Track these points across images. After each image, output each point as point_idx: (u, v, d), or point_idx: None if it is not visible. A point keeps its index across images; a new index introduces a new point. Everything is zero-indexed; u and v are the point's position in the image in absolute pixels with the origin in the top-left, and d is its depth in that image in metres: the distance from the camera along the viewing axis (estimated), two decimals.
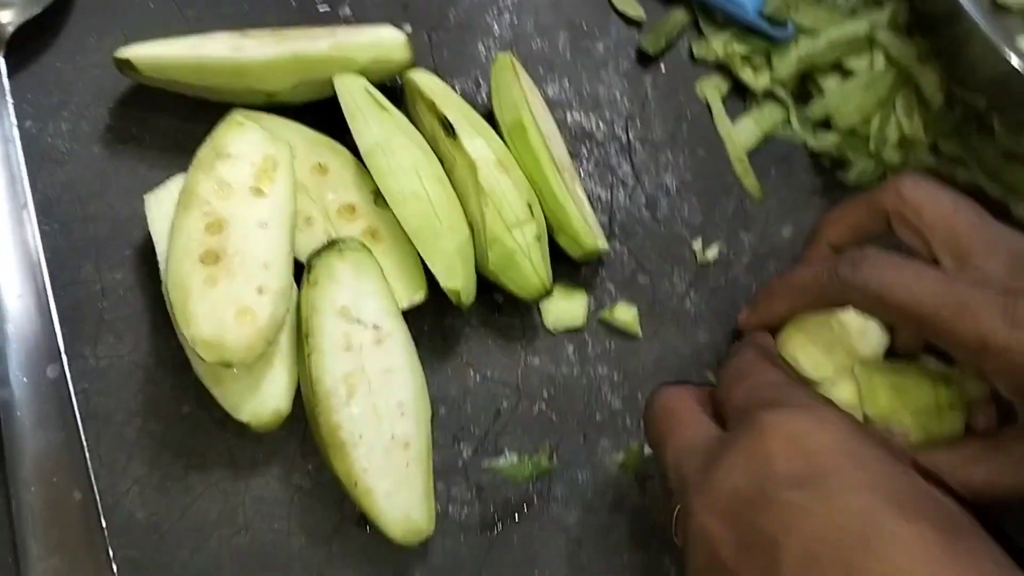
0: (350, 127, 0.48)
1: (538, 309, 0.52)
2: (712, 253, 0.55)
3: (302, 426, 0.47)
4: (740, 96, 0.60)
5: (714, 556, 0.35)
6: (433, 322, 0.51)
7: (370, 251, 0.47)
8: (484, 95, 0.56)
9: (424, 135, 0.51)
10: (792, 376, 0.44)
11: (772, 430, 0.36)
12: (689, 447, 0.40)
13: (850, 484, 0.34)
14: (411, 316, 0.47)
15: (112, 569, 0.43)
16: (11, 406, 0.44)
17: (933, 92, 0.59)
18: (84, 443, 0.44)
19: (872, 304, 0.42)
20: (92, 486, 0.44)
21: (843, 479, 0.34)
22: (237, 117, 0.48)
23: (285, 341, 0.46)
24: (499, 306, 0.52)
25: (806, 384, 0.45)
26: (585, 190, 0.55)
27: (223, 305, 0.43)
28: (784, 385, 0.41)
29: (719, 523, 0.36)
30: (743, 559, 0.34)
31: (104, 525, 0.44)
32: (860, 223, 0.47)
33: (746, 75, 0.60)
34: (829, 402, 0.41)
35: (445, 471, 0.48)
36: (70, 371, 0.46)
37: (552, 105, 0.56)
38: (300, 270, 0.46)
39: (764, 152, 0.58)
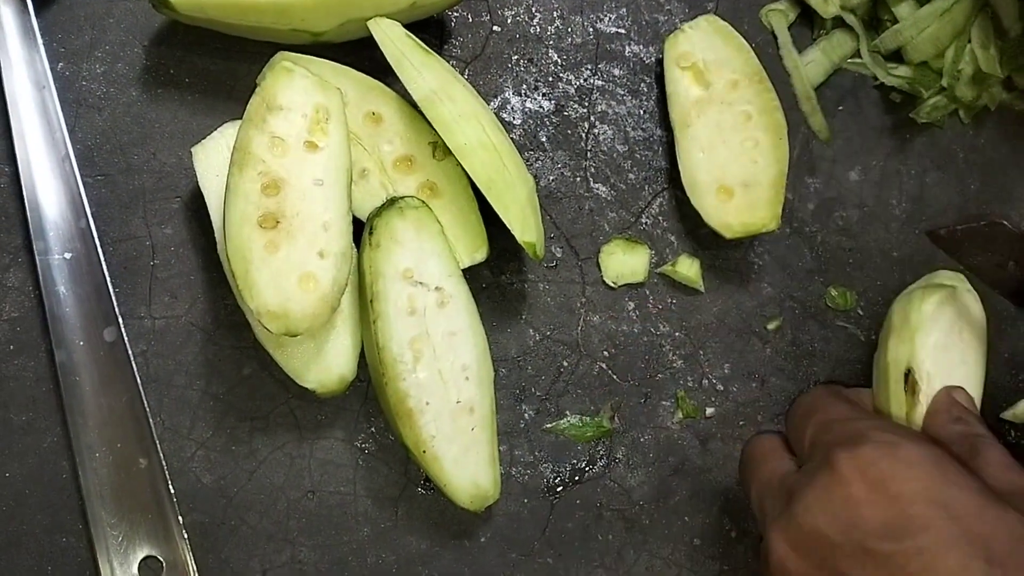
0: (399, 75, 0.45)
1: (598, 264, 0.50)
2: None
3: (364, 388, 0.47)
4: (807, 24, 0.56)
5: None
6: (491, 279, 0.49)
7: (430, 209, 0.45)
8: (537, 26, 0.52)
9: None
10: (864, 410, 0.44)
11: (853, 471, 0.37)
12: (768, 482, 0.41)
13: (944, 539, 0.35)
14: (467, 274, 0.46)
15: (183, 534, 0.43)
16: (70, 370, 0.44)
17: (1011, 20, 0.55)
18: (147, 407, 0.44)
19: None
20: (158, 451, 0.44)
21: (937, 534, 0.35)
22: (285, 63, 0.45)
23: (347, 303, 0.44)
24: (557, 261, 0.50)
25: (879, 416, 0.44)
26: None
27: (285, 272, 0.41)
28: (856, 418, 0.41)
29: (799, 560, 0.37)
30: None
31: (172, 491, 0.44)
32: None
33: (815, 0, 0.56)
34: (907, 431, 0.41)
35: (507, 433, 0.48)
36: (126, 333, 0.45)
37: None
38: (357, 226, 0.45)
39: (830, 86, 0.55)
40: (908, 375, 0.46)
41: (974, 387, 0.47)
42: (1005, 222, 0.45)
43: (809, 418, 0.42)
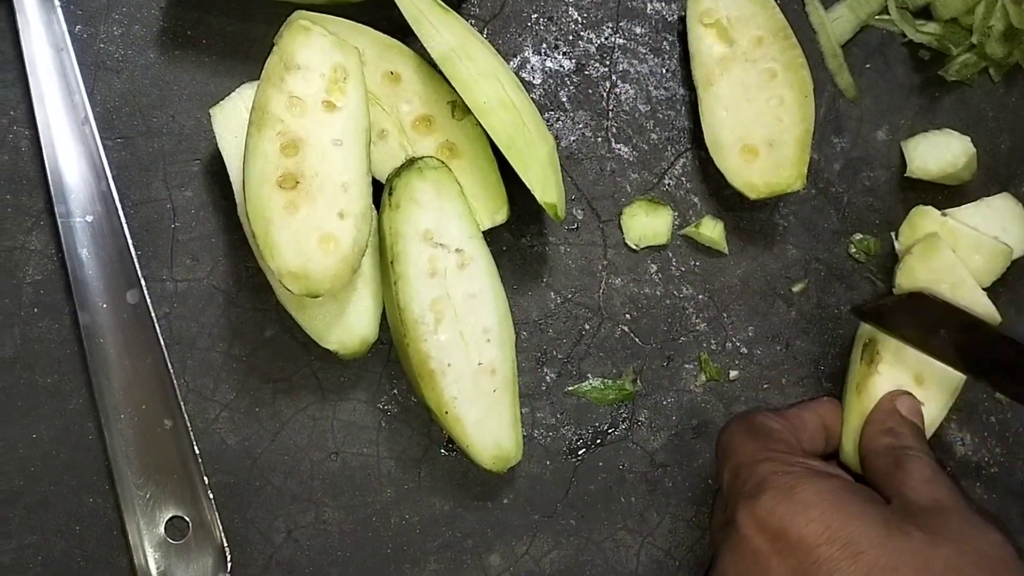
0: (417, 33, 0.45)
1: (620, 226, 0.50)
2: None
3: (386, 350, 0.47)
4: None
5: None
6: (511, 242, 0.49)
7: (450, 169, 0.45)
8: None
9: None
10: (777, 438, 0.43)
11: (753, 527, 0.38)
12: (711, 531, 0.44)
13: None
14: (488, 236, 0.46)
15: (208, 495, 0.44)
16: (94, 333, 0.44)
17: None
18: (170, 369, 0.44)
19: None
20: (182, 413, 0.44)
21: (842, 574, 0.36)
22: (302, 22, 0.44)
23: (367, 265, 0.44)
24: (579, 222, 0.50)
25: (788, 449, 0.43)
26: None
27: (306, 233, 0.41)
28: (761, 460, 0.41)
29: None
30: None
31: (197, 452, 0.44)
32: None
33: None
34: (808, 468, 0.41)
35: (529, 396, 0.48)
36: (148, 295, 0.45)
37: None
38: (376, 188, 0.44)
39: (857, 44, 0.54)
40: (867, 346, 0.46)
41: None
42: (927, 293, 0.46)
43: (725, 462, 0.43)
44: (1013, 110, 0.53)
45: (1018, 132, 0.53)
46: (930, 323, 0.45)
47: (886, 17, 0.55)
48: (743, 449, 0.42)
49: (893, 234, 0.51)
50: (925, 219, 0.49)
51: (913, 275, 0.48)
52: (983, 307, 0.48)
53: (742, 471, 0.41)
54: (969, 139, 0.51)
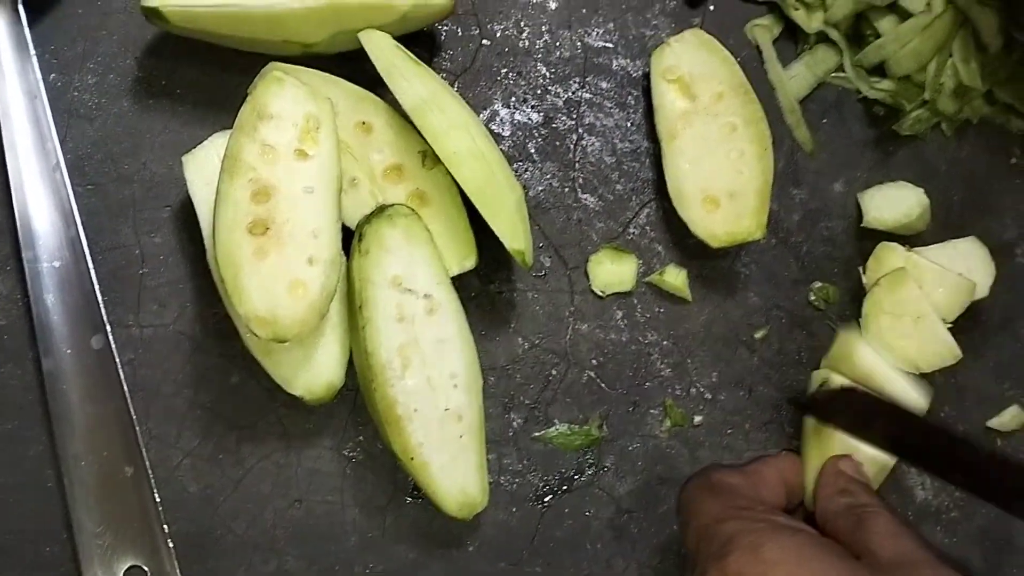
0: (389, 85, 0.46)
1: (586, 273, 0.51)
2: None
3: (352, 396, 0.47)
4: (791, 39, 0.57)
5: None
6: (479, 288, 0.49)
7: (419, 217, 0.45)
8: (525, 40, 0.53)
9: None
10: (740, 494, 0.44)
11: None
12: None
13: None
14: (457, 282, 0.46)
15: (168, 544, 0.43)
16: (57, 378, 0.43)
17: (991, 35, 0.56)
18: (133, 416, 0.44)
19: None
20: (144, 460, 0.44)
21: None
22: (276, 72, 0.45)
23: (335, 310, 0.45)
24: (546, 270, 0.50)
25: (751, 505, 0.44)
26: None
27: (274, 278, 0.42)
28: (726, 519, 0.41)
29: None
30: None
31: (158, 499, 0.43)
32: None
33: (798, 15, 0.57)
34: (773, 524, 0.41)
35: (496, 441, 0.48)
36: (114, 341, 0.45)
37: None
38: (346, 235, 0.45)
39: (814, 99, 0.56)
40: (821, 387, 0.47)
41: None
42: (857, 388, 0.48)
43: (688, 524, 0.43)
44: (965, 163, 0.56)
45: (970, 184, 0.55)
46: (862, 416, 0.46)
47: (842, 75, 0.57)
48: (706, 508, 0.42)
49: (860, 268, 0.52)
50: (891, 255, 0.51)
51: (879, 307, 0.49)
52: (943, 343, 0.49)
53: (708, 531, 0.41)
54: (923, 191, 0.53)
